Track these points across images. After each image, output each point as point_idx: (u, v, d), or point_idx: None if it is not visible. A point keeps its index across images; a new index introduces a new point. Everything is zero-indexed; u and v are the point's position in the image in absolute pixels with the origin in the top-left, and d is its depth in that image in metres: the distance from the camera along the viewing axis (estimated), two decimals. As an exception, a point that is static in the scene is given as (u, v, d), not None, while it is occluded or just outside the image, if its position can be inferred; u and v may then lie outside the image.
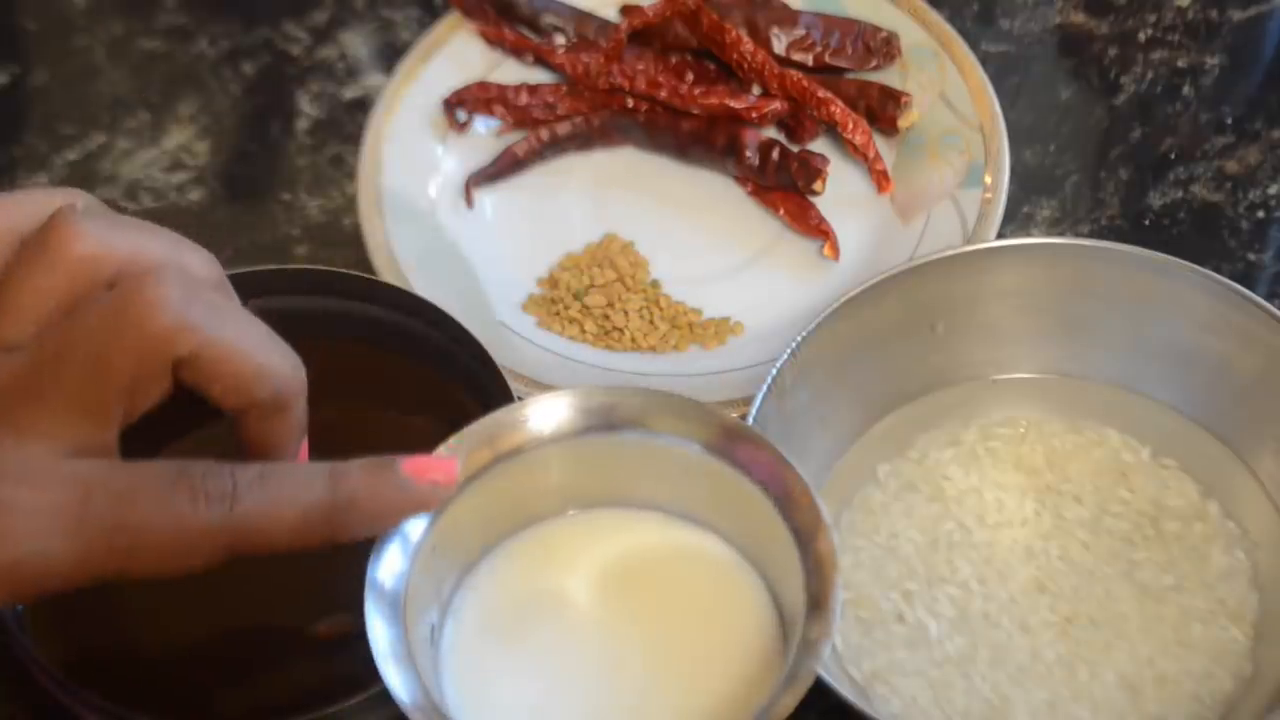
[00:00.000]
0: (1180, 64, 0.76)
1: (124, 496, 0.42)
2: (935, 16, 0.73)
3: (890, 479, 0.62)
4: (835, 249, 0.69)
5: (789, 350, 0.59)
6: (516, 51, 0.75)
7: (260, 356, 0.45)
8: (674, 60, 0.74)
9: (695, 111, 0.72)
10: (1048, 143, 0.73)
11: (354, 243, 0.70)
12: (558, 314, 0.69)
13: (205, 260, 0.46)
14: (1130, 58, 0.76)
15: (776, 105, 0.71)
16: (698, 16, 0.72)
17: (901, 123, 0.71)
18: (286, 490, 0.44)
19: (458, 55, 0.75)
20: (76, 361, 0.43)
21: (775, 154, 0.70)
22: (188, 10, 0.82)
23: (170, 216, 0.74)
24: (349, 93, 0.78)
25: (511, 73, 0.75)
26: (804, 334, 0.59)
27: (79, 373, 0.43)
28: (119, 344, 0.43)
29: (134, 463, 0.44)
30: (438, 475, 0.47)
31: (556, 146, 0.73)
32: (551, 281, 0.70)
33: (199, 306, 0.43)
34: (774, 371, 0.58)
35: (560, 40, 0.75)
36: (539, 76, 0.75)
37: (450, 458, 0.48)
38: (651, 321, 0.68)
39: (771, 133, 0.72)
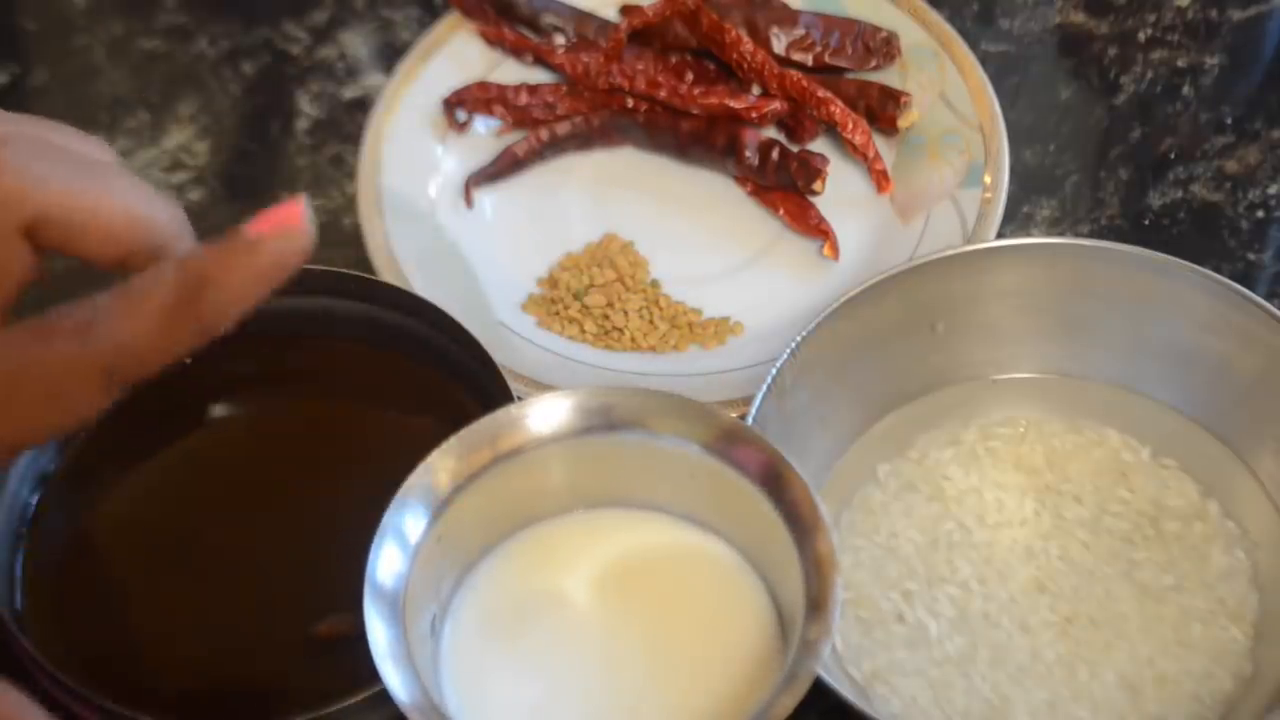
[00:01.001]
0: (1180, 64, 0.76)
1: None
2: (935, 16, 0.73)
3: (890, 479, 0.62)
4: (835, 249, 0.69)
5: (789, 350, 0.59)
6: (516, 51, 0.75)
7: (126, 206, 0.43)
8: (674, 60, 0.74)
9: (695, 111, 0.72)
10: (1048, 143, 0.73)
11: (354, 243, 0.70)
12: (558, 314, 0.69)
13: (89, 141, 0.45)
14: (1130, 58, 0.76)
15: (776, 105, 0.71)
16: (698, 16, 0.72)
17: (901, 123, 0.71)
18: (138, 297, 0.41)
19: (458, 55, 0.75)
20: None
21: (775, 154, 0.70)
22: (188, 10, 0.82)
23: (170, 216, 0.74)
24: (349, 93, 0.78)
25: (511, 73, 0.75)
26: (804, 334, 0.59)
27: None
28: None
29: None
30: (286, 223, 0.42)
31: (556, 146, 0.73)
32: (551, 281, 0.70)
33: (44, 164, 0.42)
34: (774, 371, 0.58)
35: (560, 40, 0.75)
36: (539, 76, 0.75)
37: (295, 204, 0.42)
38: (651, 321, 0.68)
39: (771, 133, 0.72)
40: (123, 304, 0.41)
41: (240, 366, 0.61)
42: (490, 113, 0.73)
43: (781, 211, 0.70)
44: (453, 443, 0.50)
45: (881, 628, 0.58)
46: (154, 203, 0.44)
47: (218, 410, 0.63)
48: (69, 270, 0.45)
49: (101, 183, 0.43)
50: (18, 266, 0.43)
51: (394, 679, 0.46)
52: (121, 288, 0.42)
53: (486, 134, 0.74)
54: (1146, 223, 0.71)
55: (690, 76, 0.74)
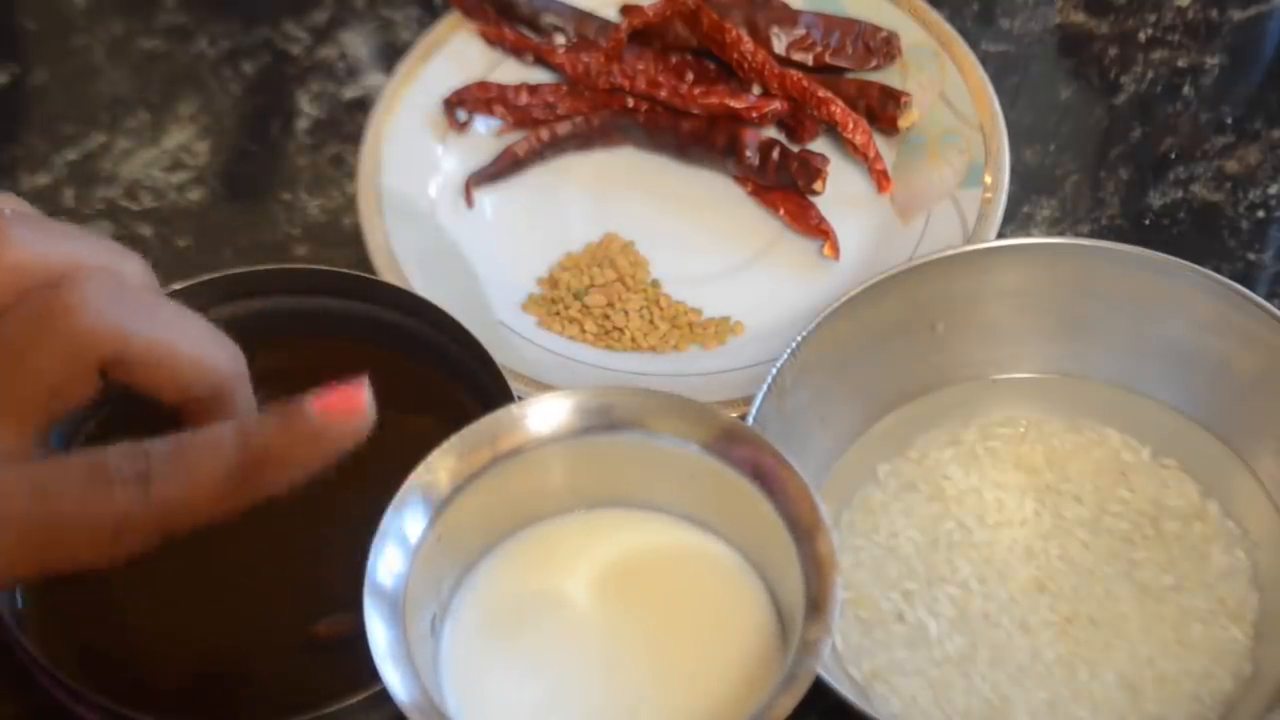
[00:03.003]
0: (1180, 64, 0.76)
1: (40, 493, 0.42)
2: (935, 16, 0.73)
3: (890, 479, 0.62)
4: (835, 249, 0.69)
5: (789, 350, 0.59)
6: (516, 51, 0.75)
7: (193, 351, 0.45)
8: (674, 60, 0.74)
9: (695, 111, 0.72)
10: (1048, 142, 0.73)
11: (354, 243, 0.70)
12: (558, 314, 0.69)
13: (137, 266, 0.46)
14: (1130, 58, 0.76)
15: (776, 105, 0.71)
16: (698, 16, 0.72)
17: (901, 123, 0.71)
18: (199, 458, 0.43)
19: (458, 55, 0.75)
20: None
21: (775, 154, 0.70)
22: (188, 10, 0.82)
23: (170, 216, 0.74)
24: (349, 93, 0.78)
25: (511, 73, 0.75)
26: (804, 334, 0.59)
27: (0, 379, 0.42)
28: (39, 349, 0.42)
29: (48, 460, 0.43)
30: (349, 407, 0.44)
31: (556, 146, 0.73)
32: (551, 281, 0.70)
33: (123, 307, 0.43)
34: (774, 371, 0.58)
35: (560, 40, 0.75)
36: (539, 76, 0.75)
37: (357, 387, 0.44)
38: (651, 321, 0.68)
39: (771, 133, 0.72)
40: (183, 464, 0.43)
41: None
42: (490, 113, 0.73)
43: (782, 211, 0.70)
44: (453, 443, 0.50)
45: (881, 628, 0.58)
46: (218, 346, 0.46)
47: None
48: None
49: (174, 328, 0.45)
50: (84, 395, 0.44)
51: (394, 679, 0.46)
52: (182, 444, 0.43)
53: (487, 134, 0.74)
54: (1147, 223, 0.71)
55: (690, 76, 0.74)
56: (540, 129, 0.73)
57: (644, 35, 0.74)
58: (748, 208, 0.72)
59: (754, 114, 0.71)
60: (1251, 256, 0.69)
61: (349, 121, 0.76)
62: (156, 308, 0.45)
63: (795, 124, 0.72)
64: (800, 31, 0.73)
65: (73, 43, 0.81)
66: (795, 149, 0.71)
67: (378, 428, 0.60)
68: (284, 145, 0.76)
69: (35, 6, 0.83)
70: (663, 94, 0.72)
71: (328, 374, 0.58)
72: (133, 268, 0.46)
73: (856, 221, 0.70)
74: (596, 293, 0.69)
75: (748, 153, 0.70)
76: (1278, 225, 0.70)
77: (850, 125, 0.70)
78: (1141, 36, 0.77)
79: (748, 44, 0.72)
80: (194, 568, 0.58)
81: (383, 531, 0.48)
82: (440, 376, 0.61)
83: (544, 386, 0.64)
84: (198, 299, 0.57)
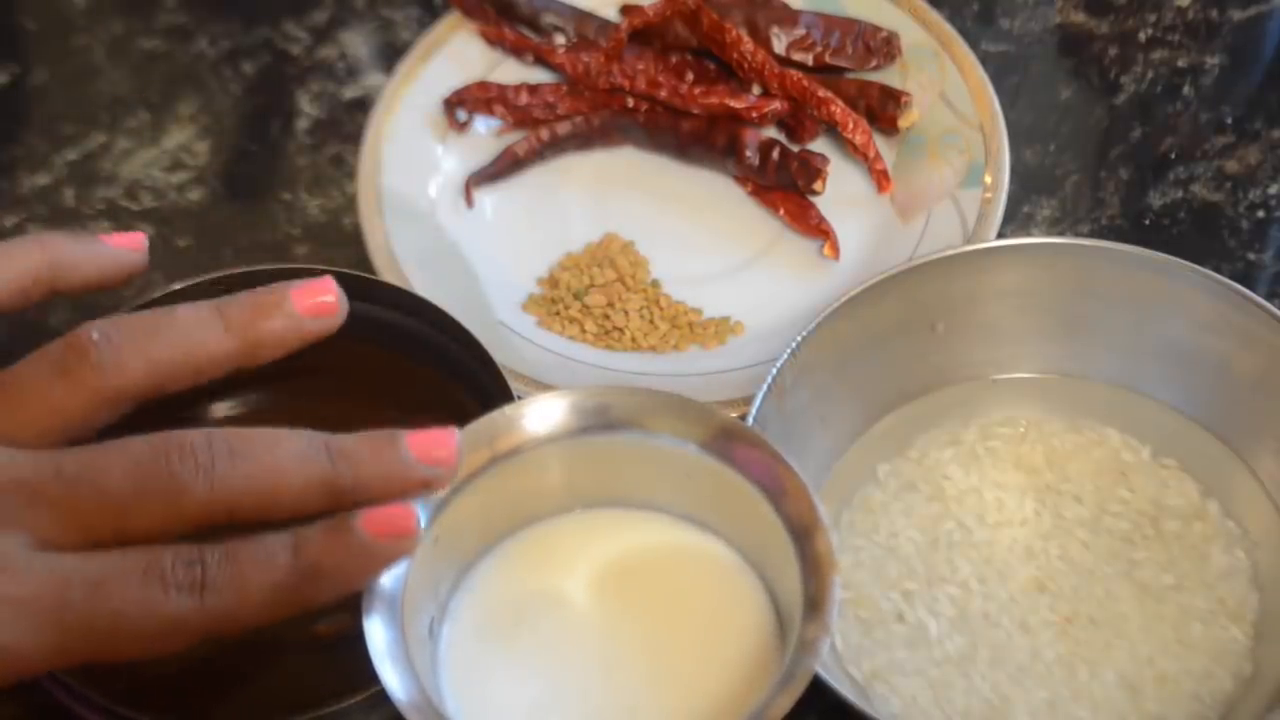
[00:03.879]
0: (1180, 64, 0.76)
1: (99, 589, 0.43)
2: (935, 16, 0.73)
3: (890, 479, 0.62)
4: (835, 249, 0.69)
5: (789, 350, 0.59)
6: (516, 51, 0.75)
7: (291, 472, 0.45)
8: (674, 60, 0.74)
9: (695, 111, 0.72)
10: (1048, 142, 0.73)
11: (354, 243, 0.70)
12: (558, 314, 0.69)
13: (218, 335, 0.48)
14: (1130, 58, 0.76)
15: (776, 105, 0.71)
16: (698, 16, 0.72)
17: (901, 122, 0.71)
18: (251, 571, 0.44)
19: (458, 55, 0.75)
20: (94, 505, 0.44)
21: (775, 154, 0.70)
22: (188, 10, 0.82)
23: (170, 216, 0.74)
24: (349, 93, 0.78)
25: (511, 73, 0.75)
26: (804, 334, 0.59)
27: (92, 508, 0.44)
28: (141, 505, 0.44)
29: (104, 553, 0.44)
30: (400, 526, 0.45)
31: (556, 146, 0.73)
32: (551, 281, 0.70)
33: (222, 464, 0.44)
34: (774, 371, 0.58)
35: (560, 40, 0.75)
36: (539, 76, 0.75)
37: (408, 508, 0.45)
38: (651, 321, 0.68)
39: (771, 133, 0.72)
40: (237, 575, 0.44)
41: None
42: (490, 112, 0.73)
43: (782, 211, 0.70)
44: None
45: (881, 627, 0.58)
46: (305, 450, 0.46)
47: (218, 410, 0.63)
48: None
49: (260, 464, 0.45)
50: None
51: (393, 679, 0.46)
52: (237, 556, 0.44)
53: (487, 134, 0.74)
54: (1147, 223, 0.71)
55: (690, 76, 0.74)
56: (540, 129, 0.73)
57: (644, 35, 0.74)
58: (748, 208, 0.72)
59: (754, 114, 0.71)
60: (1251, 256, 0.69)
61: (349, 121, 0.76)
62: (245, 443, 0.45)
63: (795, 124, 0.72)
64: (800, 31, 0.73)
65: (73, 43, 0.81)
66: (795, 149, 0.71)
67: (378, 428, 0.61)
68: (284, 145, 0.76)
69: (35, 6, 0.83)
70: (663, 94, 0.72)
71: (328, 374, 0.58)
72: (212, 339, 0.48)
73: (856, 221, 0.70)
74: (596, 293, 0.69)
75: (748, 153, 0.70)
76: (1278, 225, 0.70)
77: (850, 125, 0.70)
78: (1141, 36, 0.77)
79: (748, 44, 0.72)
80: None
81: (382, 532, 0.48)
82: (440, 376, 0.61)
83: (544, 386, 0.64)
84: (198, 299, 0.57)
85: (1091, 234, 0.70)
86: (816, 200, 0.70)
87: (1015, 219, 0.71)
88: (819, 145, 0.72)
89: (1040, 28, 0.78)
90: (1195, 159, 0.72)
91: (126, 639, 0.43)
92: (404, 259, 0.68)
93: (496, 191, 0.73)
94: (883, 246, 0.69)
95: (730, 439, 0.50)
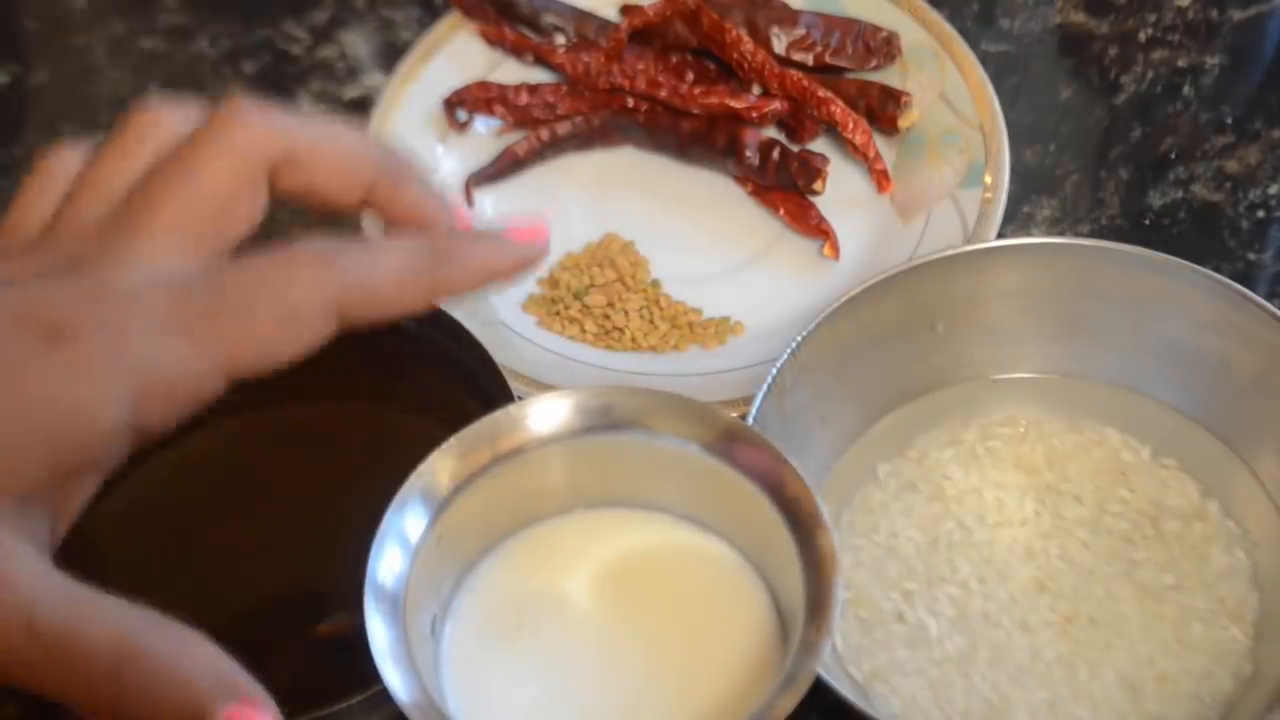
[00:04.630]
0: (1180, 64, 0.76)
1: (239, 280, 0.42)
2: (935, 16, 0.73)
3: (890, 479, 0.62)
4: (835, 249, 0.69)
5: (789, 350, 0.59)
6: (516, 51, 0.75)
7: (351, 140, 0.46)
8: (674, 60, 0.74)
9: (695, 111, 0.72)
10: (1048, 142, 0.74)
11: (354, 243, 0.70)
12: (558, 314, 0.69)
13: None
14: (1130, 58, 0.76)
15: (776, 105, 0.71)
16: (698, 16, 0.72)
17: (901, 122, 0.71)
18: (381, 246, 0.44)
19: (458, 55, 0.75)
20: (168, 188, 0.43)
21: (775, 154, 0.70)
22: (188, 10, 0.82)
23: (170, 216, 0.74)
24: (349, 93, 0.78)
25: (511, 73, 0.75)
26: (804, 334, 0.59)
27: (172, 197, 0.43)
28: (209, 160, 0.43)
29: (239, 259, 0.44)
30: (534, 235, 0.46)
31: (556, 146, 0.73)
32: (552, 281, 0.70)
33: (283, 115, 0.44)
34: (774, 371, 0.58)
35: (560, 40, 0.75)
36: (539, 76, 0.75)
37: (542, 222, 0.47)
38: (652, 321, 0.68)
39: (771, 133, 0.72)
40: (366, 249, 0.44)
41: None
42: (490, 112, 0.73)
43: (782, 211, 0.70)
44: (453, 443, 0.50)
45: (881, 627, 0.58)
46: (364, 138, 0.47)
47: (217, 410, 0.63)
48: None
49: (327, 126, 0.46)
50: (256, 211, 0.45)
51: (394, 679, 0.46)
52: (365, 239, 0.45)
53: (487, 134, 0.74)
54: (1147, 223, 0.71)
55: (690, 76, 0.74)
56: (540, 129, 0.73)
57: (644, 35, 0.74)
58: (748, 208, 0.72)
59: (754, 114, 0.71)
60: (1251, 256, 0.69)
61: (349, 121, 0.76)
62: (315, 117, 0.46)
63: (795, 124, 0.72)
64: (800, 31, 0.73)
65: (73, 43, 0.81)
66: (795, 149, 0.71)
67: (378, 428, 0.61)
68: (284, 145, 0.76)
69: (35, 6, 0.83)
70: (663, 94, 0.72)
71: (328, 374, 0.58)
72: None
73: (856, 221, 0.70)
74: (596, 293, 0.69)
75: (748, 153, 0.70)
76: (1278, 225, 0.70)
77: (850, 125, 0.70)
78: (1141, 36, 0.77)
79: (748, 44, 0.72)
80: (195, 568, 0.58)
81: (383, 531, 0.48)
82: (440, 376, 0.61)
83: (544, 386, 0.64)
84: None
85: (1091, 234, 0.70)
86: (816, 200, 0.70)
87: (1015, 219, 0.71)
88: (819, 145, 0.72)
89: (1040, 28, 0.78)
90: (1195, 159, 0.72)
91: (268, 323, 0.42)
92: (404, 259, 0.68)
93: (496, 191, 0.73)
94: (883, 246, 0.69)
95: (733, 440, 0.50)
